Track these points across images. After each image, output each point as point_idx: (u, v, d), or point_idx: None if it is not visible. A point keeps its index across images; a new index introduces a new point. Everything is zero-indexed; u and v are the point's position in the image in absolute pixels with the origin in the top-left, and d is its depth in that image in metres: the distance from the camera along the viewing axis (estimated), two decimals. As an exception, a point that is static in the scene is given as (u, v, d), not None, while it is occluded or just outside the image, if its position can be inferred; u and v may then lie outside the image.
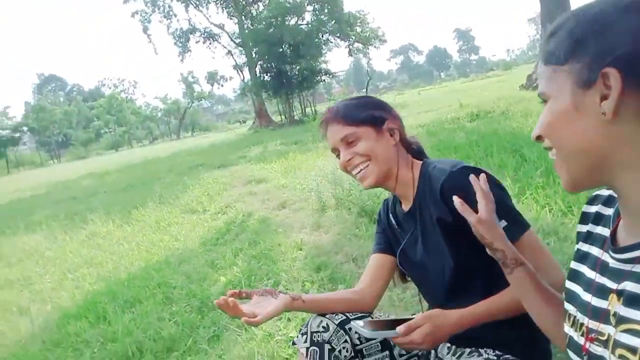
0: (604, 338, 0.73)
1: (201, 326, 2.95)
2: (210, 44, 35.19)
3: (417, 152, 1.44)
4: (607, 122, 0.66)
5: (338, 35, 31.11)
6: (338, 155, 1.40)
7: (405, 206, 1.41)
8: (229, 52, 34.46)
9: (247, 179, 8.79)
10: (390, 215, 1.48)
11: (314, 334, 1.30)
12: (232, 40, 34.00)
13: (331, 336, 1.30)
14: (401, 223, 1.44)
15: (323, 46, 31.47)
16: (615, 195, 0.80)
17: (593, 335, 0.77)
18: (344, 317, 1.35)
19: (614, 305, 0.72)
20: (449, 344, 1.41)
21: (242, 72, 34.02)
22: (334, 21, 29.98)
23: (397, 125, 1.39)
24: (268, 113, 32.02)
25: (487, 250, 1.06)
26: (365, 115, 1.35)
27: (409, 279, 1.53)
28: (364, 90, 39.19)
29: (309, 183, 6.63)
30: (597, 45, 0.66)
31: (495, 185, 1.18)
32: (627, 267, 0.72)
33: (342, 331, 1.32)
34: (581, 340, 0.80)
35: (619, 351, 0.69)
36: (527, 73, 18.24)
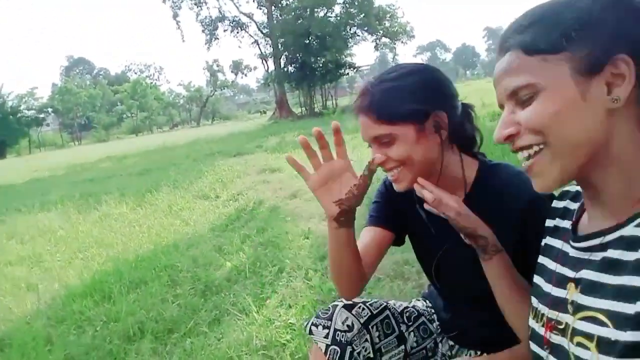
0: (562, 327, 0.74)
1: (203, 309, 2.94)
2: (237, 33, 35.39)
3: (469, 146, 1.20)
4: (613, 110, 0.65)
5: (366, 29, 30.93)
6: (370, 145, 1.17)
7: None
8: (256, 41, 34.62)
9: (261, 168, 8.80)
10: (417, 203, 1.25)
11: (338, 332, 1.21)
12: (259, 30, 34.07)
13: (354, 337, 1.22)
14: (436, 221, 1.20)
15: (350, 39, 31.39)
16: (581, 190, 0.81)
17: (552, 324, 0.77)
18: (370, 314, 1.28)
19: (572, 293, 0.73)
20: (451, 342, 1.38)
21: (266, 62, 34.17)
22: (363, 14, 29.74)
23: (446, 115, 1.10)
24: (289, 104, 32.10)
25: (468, 239, 1.04)
26: (405, 111, 1.07)
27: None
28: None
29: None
30: (603, 31, 0.65)
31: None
32: (585, 255, 0.73)
33: (364, 330, 1.25)
34: (541, 331, 0.80)
35: (577, 339, 0.70)
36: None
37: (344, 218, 1.10)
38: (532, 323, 0.84)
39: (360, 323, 1.24)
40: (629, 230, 0.66)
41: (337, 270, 1.22)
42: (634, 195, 0.68)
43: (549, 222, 0.91)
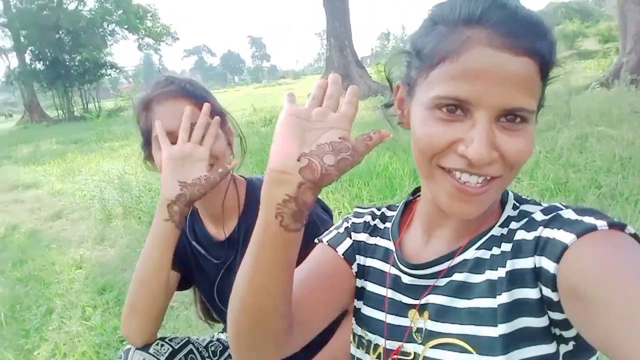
0: (410, 357, 0.70)
1: None
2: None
3: None
4: None
5: (126, 27, 29.00)
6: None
7: (218, 230, 1.21)
8: (-10, 32, 29.24)
9: (12, 184, 7.53)
10: (189, 235, 1.25)
11: None
12: (-7, 19, 28.90)
13: None
14: (208, 249, 1.22)
15: (108, 37, 29.20)
16: (391, 213, 0.81)
17: (394, 356, 0.72)
18: (171, 350, 1.15)
19: (417, 321, 0.69)
20: None
21: (7, 57, 29.19)
22: (121, 11, 27.78)
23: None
24: (41, 107, 28.10)
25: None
26: (215, 103, 1.12)
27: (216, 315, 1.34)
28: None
29: (92, 189, 5.93)
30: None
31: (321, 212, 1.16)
32: (428, 282, 0.70)
33: None
34: None
35: None
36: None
37: (177, 209, 1.01)
38: (359, 354, 0.77)
39: None
40: (470, 254, 0.67)
41: (138, 288, 1.06)
42: (479, 219, 0.67)
43: (356, 236, 0.82)
